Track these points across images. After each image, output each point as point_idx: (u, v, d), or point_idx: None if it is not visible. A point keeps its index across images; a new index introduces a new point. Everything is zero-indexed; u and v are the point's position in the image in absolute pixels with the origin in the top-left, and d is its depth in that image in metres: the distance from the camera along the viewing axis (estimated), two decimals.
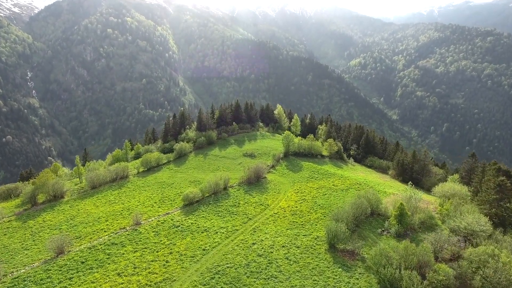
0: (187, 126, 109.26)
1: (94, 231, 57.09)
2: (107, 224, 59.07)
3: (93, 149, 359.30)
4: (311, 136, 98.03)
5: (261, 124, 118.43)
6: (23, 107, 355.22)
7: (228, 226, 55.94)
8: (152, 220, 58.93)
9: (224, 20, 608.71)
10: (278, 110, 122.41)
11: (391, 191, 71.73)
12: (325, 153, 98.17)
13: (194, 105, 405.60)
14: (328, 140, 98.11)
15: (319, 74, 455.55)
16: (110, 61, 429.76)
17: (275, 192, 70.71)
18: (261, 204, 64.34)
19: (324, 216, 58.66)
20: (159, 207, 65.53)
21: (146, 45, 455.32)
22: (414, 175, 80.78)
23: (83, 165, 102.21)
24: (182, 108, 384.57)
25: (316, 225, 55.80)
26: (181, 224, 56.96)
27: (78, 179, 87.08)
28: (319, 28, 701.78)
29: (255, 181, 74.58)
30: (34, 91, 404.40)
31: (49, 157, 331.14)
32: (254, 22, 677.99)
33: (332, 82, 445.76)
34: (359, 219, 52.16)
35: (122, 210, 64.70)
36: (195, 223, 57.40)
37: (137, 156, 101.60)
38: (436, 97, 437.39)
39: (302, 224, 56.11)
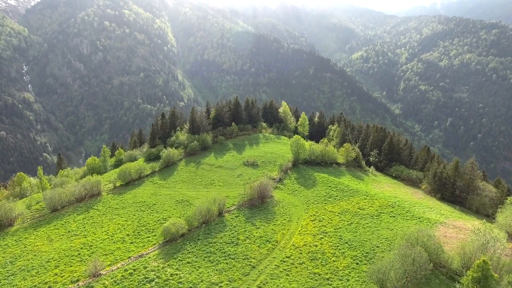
0: (178, 128, 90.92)
1: (35, 286, 39.48)
2: (56, 274, 41.42)
3: (90, 145, 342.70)
4: (325, 140, 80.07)
5: (264, 124, 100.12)
6: (17, 102, 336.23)
7: (222, 282, 38.29)
8: (117, 269, 41.21)
9: (224, 13, 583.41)
10: (284, 108, 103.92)
11: (435, 218, 53.86)
12: (340, 160, 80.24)
13: (193, 99, 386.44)
14: (345, 145, 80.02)
15: (321, 67, 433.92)
16: (107, 54, 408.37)
17: (285, 219, 52.93)
18: (267, 241, 46.60)
19: (357, 264, 40.95)
20: (131, 242, 47.84)
21: (144, 38, 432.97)
22: (456, 192, 62.99)
23: (56, 175, 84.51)
24: (182, 103, 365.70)
25: (348, 280, 38.11)
26: (157, 277, 39.26)
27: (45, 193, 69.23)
28: (320, 20, 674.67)
29: (258, 203, 56.76)
30: (30, 85, 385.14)
31: (44, 153, 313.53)
32: (254, 14, 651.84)
33: (334, 75, 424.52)
34: (415, 278, 34.34)
35: (81, 248, 47.04)
36: (176, 274, 39.67)
37: (118, 163, 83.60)
38: (440, 91, 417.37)
39: (327, 279, 38.40)
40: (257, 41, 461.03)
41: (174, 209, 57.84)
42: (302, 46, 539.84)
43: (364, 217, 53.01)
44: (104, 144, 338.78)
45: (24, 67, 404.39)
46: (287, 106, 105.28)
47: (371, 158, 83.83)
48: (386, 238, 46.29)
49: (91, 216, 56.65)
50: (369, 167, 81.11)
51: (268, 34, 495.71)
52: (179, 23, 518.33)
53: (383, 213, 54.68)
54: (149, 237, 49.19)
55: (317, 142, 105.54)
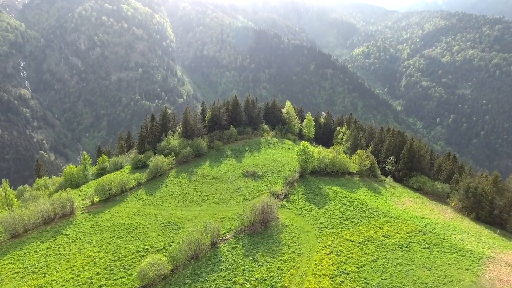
0: (170, 131, 79.75)
1: None
2: None
3: (88, 142, 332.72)
4: (336, 147, 68.90)
5: (265, 126, 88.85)
6: (13, 98, 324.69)
7: None
8: None
9: (224, 8, 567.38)
10: (288, 108, 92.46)
11: (478, 249, 42.96)
12: (353, 168, 69.29)
13: (192, 95, 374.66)
14: (358, 152, 69.02)
15: (321, 63, 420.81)
16: (105, 50, 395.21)
17: (293, 252, 42.03)
18: (272, 286, 35.75)
19: None
20: (100, 286, 36.97)
21: (143, 33, 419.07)
22: (495, 212, 52.20)
23: (30, 185, 73.53)
24: (181, 99, 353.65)
25: None
26: None
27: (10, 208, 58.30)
28: (320, 16, 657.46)
29: (261, 229, 45.89)
30: (26, 82, 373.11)
31: (40, 151, 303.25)
32: (254, 9, 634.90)
33: (335, 71, 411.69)
34: None
35: None
36: None
37: (101, 173, 72.60)
38: (442, 88, 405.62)
39: None
40: (257, 36, 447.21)
41: (159, 235, 46.97)
42: (303, 41, 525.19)
43: (392, 249, 42.13)
44: (102, 141, 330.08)
45: (21, 62, 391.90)
46: (291, 106, 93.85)
47: (387, 167, 72.86)
48: (426, 284, 35.47)
49: (57, 245, 45.76)
50: (386, 177, 70.20)
51: (268, 29, 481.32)
52: (178, 18, 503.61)
53: (414, 242, 43.82)
54: (123, 277, 38.35)
55: (323, 144, 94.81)
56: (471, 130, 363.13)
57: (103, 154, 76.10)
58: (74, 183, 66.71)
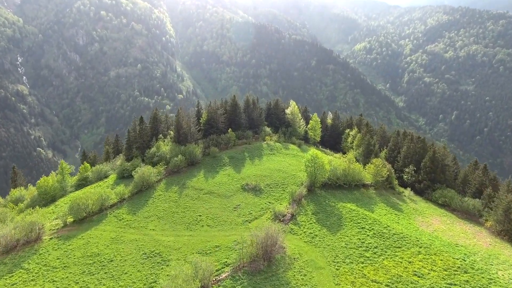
0: (161, 136, 70.05)
1: None
2: None
3: (86, 139, 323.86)
4: (350, 155, 59.28)
5: (267, 129, 79.03)
6: (10, 95, 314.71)
7: None
8: None
9: (224, 3, 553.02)
10: (292, 109, 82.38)
11: None
12: (368, 179, 59.80)
13: (192, 91, 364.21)
14: (374, 160, 59.46)
15: (323, 59, 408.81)
16: (104, 45, 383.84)
17: None
18: None
19: None
20: None
21: (142, 28, 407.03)
22: None
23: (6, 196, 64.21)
24: (180, 95, 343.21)
25: None
26: None
27: None
28: (321, 11, 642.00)
29: (264, 266, 36.49)
30: (24, 77, 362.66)
31: (38, 148, 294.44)
32: (254, 4, 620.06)
33: (336, 67, 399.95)
34: None
35: None
36: None
37: (82, 183, 63.13)
38: (445, 84, 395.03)
39: None
40: (258, 31, 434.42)
41: (139, 271, 37.64)
42: (304, 37, 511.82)
43: None
44: (100, 138, 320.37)
45: (18, 58, 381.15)
46: (296, 106, 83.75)
47: (405, 177, 63.25)
48: None
49: (13, 284, 36.50)
50: (404, 188, 60.70)
51: (269, 24, 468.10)
52: (178, 13, 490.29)
53: (455, 285, 34.43)
54: None
55: (331, 148, 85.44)
56: (475, 127, 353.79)
57: (84, 162, 66.60)
58: (50, 197, 57.37)
